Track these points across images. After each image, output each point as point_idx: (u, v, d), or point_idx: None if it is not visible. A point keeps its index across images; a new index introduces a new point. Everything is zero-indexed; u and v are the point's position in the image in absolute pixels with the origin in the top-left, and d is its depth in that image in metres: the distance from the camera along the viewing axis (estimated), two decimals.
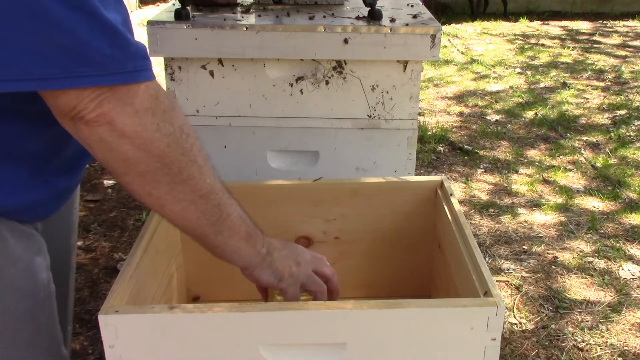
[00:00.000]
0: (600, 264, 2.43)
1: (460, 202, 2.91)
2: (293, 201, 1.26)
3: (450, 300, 0.88)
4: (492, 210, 2.86)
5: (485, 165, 3.35)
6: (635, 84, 4.72)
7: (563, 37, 6.37)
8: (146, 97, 0.78)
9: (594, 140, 3.68)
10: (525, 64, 5.31)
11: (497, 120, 4.03)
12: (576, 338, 2.03)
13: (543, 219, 2.77)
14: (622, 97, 4.42)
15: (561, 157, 3.45)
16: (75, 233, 1.22)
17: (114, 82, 0.74)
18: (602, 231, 2.67)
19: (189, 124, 0.84)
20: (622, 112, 4.13)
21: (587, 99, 4.42)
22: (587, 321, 2.11)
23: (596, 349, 1.98)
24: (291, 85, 1.49)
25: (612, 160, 3.38)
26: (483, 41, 6.19)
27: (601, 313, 2.14)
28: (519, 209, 2.87)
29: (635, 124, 3.91)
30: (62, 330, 1.02)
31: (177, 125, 0.81)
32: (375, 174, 1.55)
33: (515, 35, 6.44)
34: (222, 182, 0.88)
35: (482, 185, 3.13)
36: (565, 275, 2.36)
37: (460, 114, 4.14)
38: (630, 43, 6.06)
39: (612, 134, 3.74)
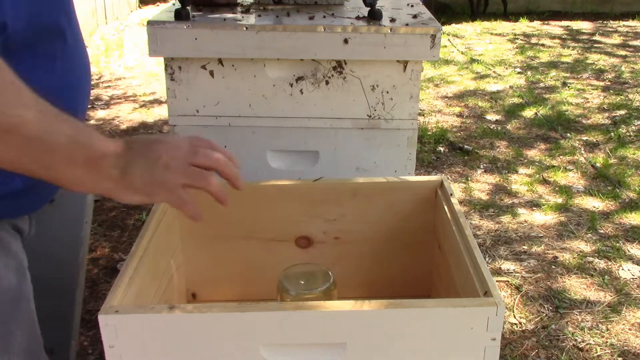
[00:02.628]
0: (600, 264, 2.43)
1: (460, 202, 2.91)
2: (293, 201, 1.26)
3: (450, 300, 0.88)
4: (492, 210, 2.86)
5: (485, 165, 3.36)
6: (635, 83, 4.72)
7: (563, 37, 6.37)
8: None
9: (594, 140, 3.68)
10: (525, 64, 5.31)
11: (497, 120, 4.04)
12: (576, 338, 2.03)
13: (543, 219, 2.77)
14: (622, 97, 4.42)
15: (561, 157, 3.45)
16: (84, 248, 1.16)
17: None
18: (602, 231, 2.67)
19: None
20: (622, 112, 4.13)
21: (587, 98, 4.42)
22: (587, 321, 2.11)
23: (596, 349, 1.98)
24: (291, 85, 1.49)
25: (612, 160, 3.38)
26: (483, 41, 6.19)
27: (601, 313, 2.14)
28: (518, 209, 2.87)
29: (635, 123, 3.91)
30: (64, 344, 0.96)
31: None
32: (375, 174, 1.55)
33: (515, 35, 6.44)
34: (44, 107, 0.75)
35: (482, 185, 3.13)
36: (565, 275, 2.36)
37: (460, 114, 4.14)
38: (631, 43, 6.06)
39: (612, 133, 3.74)
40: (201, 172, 0.84)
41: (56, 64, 0.90)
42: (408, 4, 1.71)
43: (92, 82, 4.58)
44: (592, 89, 4.61)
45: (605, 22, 7.14)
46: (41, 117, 0.73)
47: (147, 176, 0.80)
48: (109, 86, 4.83)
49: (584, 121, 3.99)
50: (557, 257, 2.47)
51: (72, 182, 0.78)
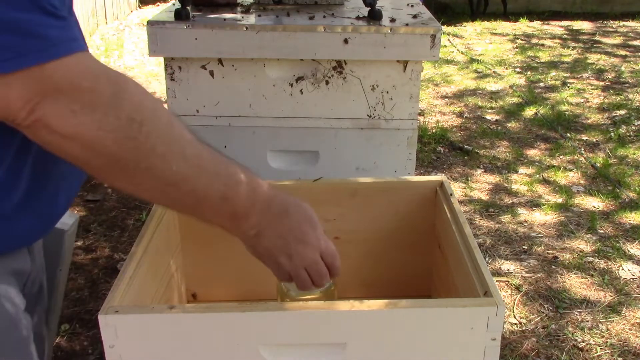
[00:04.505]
0: (600, 263, 2.43)
1: (460, 202, 2.91)
2: None
3: (450, 300, 0.88)
4: (492, 210, 2.86)
5: (485, 165, 3.35)
6: (635, 83, 4.72)
7: (563, 37, 6.37)
8: (81, 92, 0.70)
9: (594, 140, 3.68)
10: (525, 64, 5.31)
11: (497, 120, 4.03)
12: (576, 338, 2.03)
13: (543, 219, 2.77)
14: (622, 97, 4.42)
15: (561, 156, 3.45)
16: (65, 267, 1.15)
17: (38, 60, 0.66)
18: (602, 231, 2.67)
19: (145, 105, 0.75)
20: (622, 111, 4.13)
21: (587, 98, 4.42)
22: (587, 321, 2.11)
23: (596, 349, 1.98)
24: (291, 85, 1.49)
25: (612, 160, 3.38)
26: (483, 41, 6.19)
27: (601, 313, 2.14)
28: (519, 209, 2.87)
29: (635, 123, 3.91)
30: None
31: (125, 116, 0.72)
32: (375, 174, 1.55)
33: (515, 35, 6.44)
34: (201, 156, 0.80)
35: (482, 185, 3.13)
36: (565, 275, 2.36)
37: (460, 113, 4.14)
38: (631, 43, 6.06)
39: (612, 133, 3.74)
40: (324, 270, 0.90)
41: None
42: (408, 4, 1.71)
43: None
44: (592, 89, 4.61)
45: (605, 22, 7.14)
46: (199, 172, 0.79)
47: (277, 246, 0.87)
48: None
49: (584, 121, 3.99)
50: (557, 257, 2.47)
51: (211, 224, 0.85)
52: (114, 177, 0.77)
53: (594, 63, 5.30)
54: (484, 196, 3.01)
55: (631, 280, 2.33)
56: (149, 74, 5.07)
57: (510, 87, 4.67)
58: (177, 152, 0.77)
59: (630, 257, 2.47)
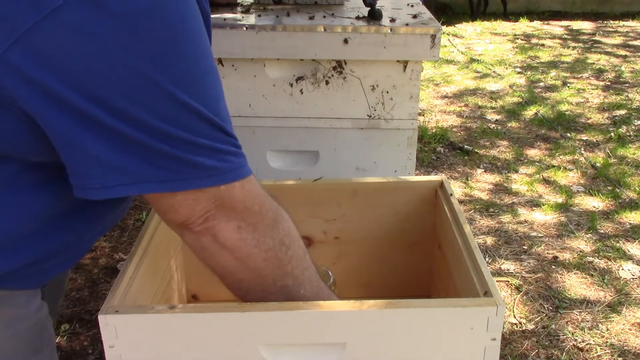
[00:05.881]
0: (600, 263, 2.43)
1: (460, 202, 2.91)
2: (293, 201, 1.26)
3: (450, 300, 0.88)
4: (492, 210, 2.86)
5: (485, 165, 3.36)
6: (636, 83, 4.72)
7: (563, 36, 6.38)
8: (250, 213, 0.79)
9: (594, 140, 3.68)
10: (525, 64, 5.31)
11: (497, 119, 4.04)
12: (576, 338, 2.03)
13: (543, 219, 2.77)
14: (622, 97, 4.42)
15: (561, 156, 3.45)
16: (62, 296, 1.21)
17: (219, 182, 0.75)
18: (602, 231, 2.67)
19: (292, 232, 0.85)
20: (622, 111, 4.13)
21: (587, 98, 4.42)
22: (587, 321, 2.11)
23: (596, 349, 1.98)
24: (291, 85, 1.49)
25: (612, 160, 3.38)
26: (483, 41, 6.19)
27: (601, 313, 2.14)
28: (519, 208, 2.87)
29: (635, 123, 3.91)
30: None
31: (278, 239, 0.83)
32: (375, 174, 1.55)
33: (515, 35, 6.44)
34: (320, 286, 0.90)
35: (482, 185, 3.13)
36: (565, 275, 2.36)
37: (460, 113, 4.15)
38: (631, 43, 6.06)
39: (612, 133, 3.74)
40: None
41: None
42: (408, 4, 1.71)
43: None
44: (592, 89, 4.61)
45: (605, 22, 7.14)
46: (317, 298, 0.88)
47: None
48: None
49: (584, 121, 3.99)
50: (557, 257, 2.47)
51: None
52: (249, 292, 0.85)
53: (594, 63, 5.30)
54: (484, 196, 3.01)
55: (631, 280, 2.33)
56: None
57: (510, 87, 4.67)
58: (307, 278, 0.87)
59: (630, 257, 2.47)
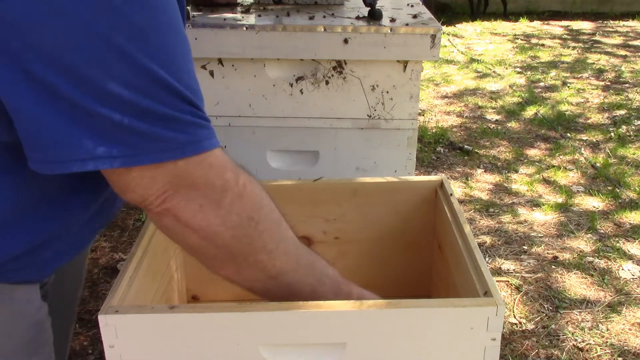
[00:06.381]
0: (600, 263, 2.43)
1: (460, 202, 2.91)
2: (293, 201, 1.26)
3: (450, 300, 0.88)
4: (492, 210, 2.86)
5: (485, 165, 3.36)
6: (636, 83, 4.72)
7: (563, 36, 6.38)
8: (213, 189, 0.75)
9: (594, 140, 3.68)
10: (525, 64, 5.31)
11: (497, 119, 4.04)
12: (576, 338, 2.03)
13: (543, 219, 2.77)
14: (622, 96, 4.42)
15: (561, 156, 3.45)
16: (82, 284, 1.20)
17: (175, 157, 0.71)
18: (602, 231, 2.67)
19: (264, 202, 0.81)
20: (622, 111, 4.13)
21: (587, 98, 4.42)
22: (587, 321, 2.11)
23: (596, 349, 1.98)
24: (291, 85, 1.49)
25: (612, 160, 3.38)
26: (483, 41, 6.19)
27: (601, 313, 2.14)
28: (519, 208, 2.87)
29: (635, 123, 3.91)
30: None
31: (245, 215, 0.78)
32: (375, 174, 1.55)
33: (515, 35, 6.44)
34: (298, 254, 0.87)
35: (482, 185, 3.13)
36: (565, 275, 2.36)
37: (460, 113, 4.14)
38: (631, 43, 6.06)
39: (612, 133, 3.74)
40: None
41: None
42: (408, 4, 1.71)
43: None
44: (592, 89, 4.61)
45: (605, 22, 7.14)
46: (296, 268, 0.86)
47: None
48: None
49: (584, 121, 3.99)
50: (557, 257, 2.47)
51: None
52: (222, 266, 0.82)
53: (594, 63, 5.30)
54: (484, 196, 3.01)
55: (631, 280, 2.33)
56: None
57: (510, 87, 4.67)
58: (282, 250, 0.84)
59: (630, 257, 2.47)
